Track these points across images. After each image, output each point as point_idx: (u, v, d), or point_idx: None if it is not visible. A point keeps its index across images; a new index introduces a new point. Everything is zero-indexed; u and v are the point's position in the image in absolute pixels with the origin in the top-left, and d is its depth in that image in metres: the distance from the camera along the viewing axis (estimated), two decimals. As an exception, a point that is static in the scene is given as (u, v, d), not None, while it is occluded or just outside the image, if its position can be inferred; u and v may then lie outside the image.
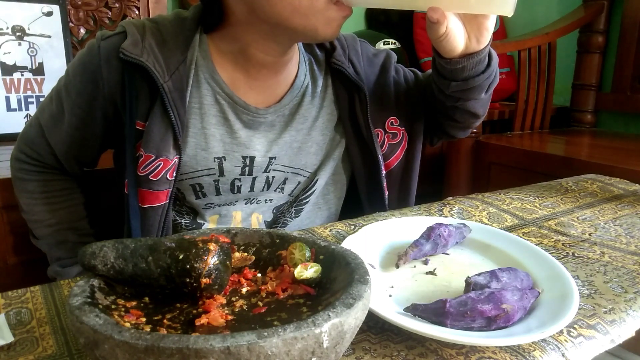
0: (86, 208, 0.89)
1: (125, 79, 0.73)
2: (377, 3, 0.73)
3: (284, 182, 0.86)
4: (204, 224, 0.84)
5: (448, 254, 0.67)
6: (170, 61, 0.73)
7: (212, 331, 0.40)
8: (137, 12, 1.67)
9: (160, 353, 0.33)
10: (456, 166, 1.77)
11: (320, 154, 0.87)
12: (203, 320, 0.41)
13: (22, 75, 1.44)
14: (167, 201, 0.77)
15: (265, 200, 0.87)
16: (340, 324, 0.36)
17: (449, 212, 0.85)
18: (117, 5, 1.63)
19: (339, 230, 0.75)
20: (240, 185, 0.82)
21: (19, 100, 1.43)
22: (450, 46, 0.69)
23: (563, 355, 0.47)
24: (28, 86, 1.45)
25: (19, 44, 1.43)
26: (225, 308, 0.44)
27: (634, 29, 1.91)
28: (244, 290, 0.48)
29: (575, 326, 0.51)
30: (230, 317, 0.42)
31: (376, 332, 0.50)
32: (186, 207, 0.84)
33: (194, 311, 0.43)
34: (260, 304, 0.45)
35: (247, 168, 0.81)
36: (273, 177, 0.84)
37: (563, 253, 0.69)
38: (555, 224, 0.81)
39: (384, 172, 0.87)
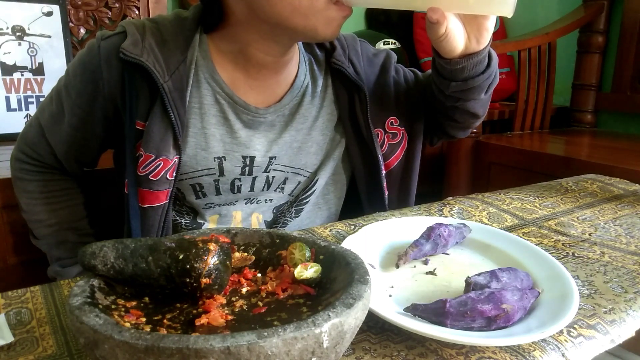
0: (86, 208, 0.89)
1: (125, 79, 0.73)
2: (377, 3, 0.73)
3: (284, 182, 0.86)
4: (204, 223, 0.84)
5: (448, 254, 0.67)
6: (170, 61, 0.73)
7: (212, 331, 0.40)
8: (137, 12, 1.67)
9: (160, 353, 0.33)
10: (456, 166, 1.77)
11: (321, 153, 0.87)
12: (203, 320, 0.41)
13: (22, 75, 1.44)
14: (167, 201, 0.77)
15: (266, 200, 0.87)
16: (340, 324, 0.36)
17: (449, 212, 0.85)
18: (117, 5, 1.63)
19: (339, 230, 0.75)
20: (241, 185, 0.82)
21: (19, 100, 1.43)
22: (450, 46, 0.69)
23: (563, 355, 0.47)
24: (28, 86, 1.45)
25: (19, 44, 1.43)
26: (225, 308, 0.44)
27: (634, 29, 1.91)
28: (244, 290, 0.48)
29: (575, 326, 0.51)
30: (230, 317, 0.42)
31: (376, 332, 0.50)
32: (186, 207, 0.84)
33: (194, 311, 0.43)
34: (260, 304, 0.45)
35: (247, 168, 0.81)
36: (273, 177, 0.84)
37: (563, 253, 0.69)
38: (555, 224, 0.81)
39: (383, 172, 0.87)
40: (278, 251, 0.52)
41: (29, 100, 1.45)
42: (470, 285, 0.53)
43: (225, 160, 0.79)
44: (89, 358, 0.39)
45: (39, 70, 1.46)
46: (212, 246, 0.44)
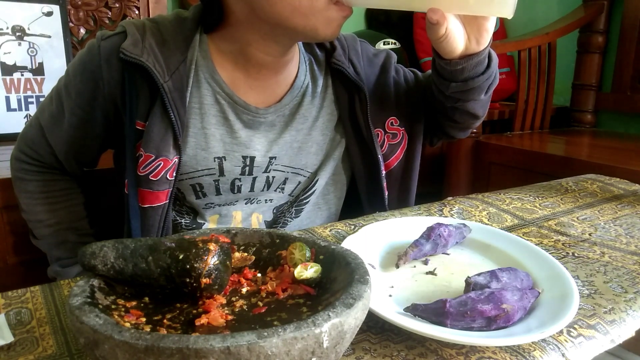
0: (86, 208, 0.89)
1: (126, 79, 0.73)
2: (377, 3, 0.73)
3: (284, 182, 0.86)
4: (204, 224, 0.84)
5: (448, 254, 0.67)
6: (171, 61, 0.73)
7: (212, 331, 0.40)
8: (137, 12, 1.67)
9: (160, 353, 0.33)
10: (456, 166, 1.77)
11: (321, 154, 0.87)
12: (203, 320, 0.41)
13: (22, 75, 1.44)
14: (167, 201, 0.77)
15: (266, 200, 0.87)
16: (340, 324, 0.36)
17: (449, 212, 0.85)
18: (117, 5, 1.63)
19: (339, 230, 0.75)
20: (241, 185, 0.82)
21: (19, 100, 1.43)
22: (450, 47, 0.69)
23: (563, 355, 0.47)
24: (28, 86, 1.45)
25: (19, 44, 1.43)
26: (225, 308, 0.44)
27: (634, 29, 1.91)
28: (244, 290, 0.48)
29: (575, 326, 0.51)
30: (230, 317, 0.42)
31: (376, 332, 0.50)
32: (186, 207, 0.84)
33: (194, 311, 0.43)
34: (260, 304, 0.45)
35: (247, 168, 0.81)
36: (273, 177, 0.84)
37: (563, 253, 0.69)
38: (555, 224, 0.81)
39: (383, 172, 0.87)
40: (278, 251, 0.52)
41: (29, 100, 1.45)
42: (470, 285, 0.53)
43: (225, 160, 0.79)
44: (89, 358, 0.39)
45: (39, 70, 1.46)
46: (212, 246, 0.44)
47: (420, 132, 0.90)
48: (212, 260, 0.44)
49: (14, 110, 1.43)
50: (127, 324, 0.40)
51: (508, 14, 0.62)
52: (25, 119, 1.44)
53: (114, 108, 0.77)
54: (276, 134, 0.82)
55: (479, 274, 0.54)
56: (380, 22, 2.26)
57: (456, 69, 0.73)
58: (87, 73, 0.75)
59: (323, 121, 0.85)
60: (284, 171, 0.84)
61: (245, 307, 0.44)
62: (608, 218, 0.84)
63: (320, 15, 0.68)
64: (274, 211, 0.88)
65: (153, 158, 0.73)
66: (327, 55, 0.86)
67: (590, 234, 0.77)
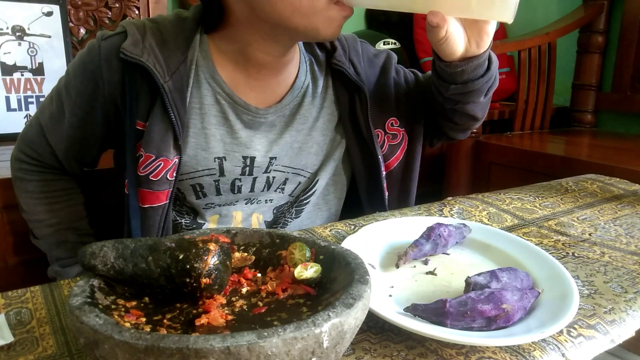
0: (86, 208, 0.89)
1: (126, 79, 0.73)
2: (377, 4, 0.73)
3: (285, 183, 0.86)
4: (204, 224, 0.84)
5: (448, 254, 0.67)
6: (171, 61, 0.73)
7: (212, 331, 0.40)
8: (137, 12, 1.67)
9: (160, 353, 0.33)
10: (456, 166, 1.77)
11: (321, 154, 0.87)
12: (203, 320, 0.41)
13: (22, 75, 1.44)
14: (168, 201, 0.77)
15: (266, 200, 0.87)
16: (340, 324, 0.36)
17: (449, 212, 0.85)
18: (117, 5, 1.63)
19: (339, 230, 0.75)
20: (241, 185, 0.82)
21: (19, 100, 1.43)
22: (450, 49, 0.69)
23: (563, 355, 0.47)
24: (28, 86, 1.45)
25: (19, 44, 1.43)
26: (225, 308, 0.44)
27: (634, 29, 1.90)
28: (244, 290, 0.48)
29: (575, 326, 0.51)
30: (230, 317, 0.42)
31: (376, 332, 0.50)
32: (186, 207, 0.84)
33: (194, 311, 0.43)
34: (260, 304, 0.45)
35: (247, 168, 0.81)
36: (273, 177, 0.84)
37: (563, 253, 0.69)
38: (555, 224, 0.81)
39: (384, 172, 0.87)
40: (278, 251, 0.52)
41: (29, 100, 1.45)
42: (470, 285, 0.53)
43: (225, 160, 0.79)
44: (89, 358, 0.39)
45: (39, 70, 1.46)
46: (212, 246, 0.44)
47: (420, 133, 0.90)
48: (212, 260, 0.44)
49: (14, 110, 1.43)
50: (127, 324, 0.40)
51: (508, 18, 0.62)
52: (25, 119, 1.44)
53: (114, 108, 0.77)
54: (276, 134, 0.82)
55: (479, 274, 0.54)
56: (380, 22, 2.26)
57: (456, 71, 0.73)
58: (87, 73, 0.75)
59: (323, 121, 0.85)
60: (284, 171, 0.84)
61: (245, 307, 0.44)
62: (608, 218, 0.84)
63: (321, 15, 0.68)
64: (274, 211, 0.88)
65: (153, 158, 0.73)
66: (327, 56, 0.86)
67: (590, 234, 0.77)
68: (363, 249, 0.63)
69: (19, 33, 1.43)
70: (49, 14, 1.47)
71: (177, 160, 0.75)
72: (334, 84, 0.86)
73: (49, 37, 1.47)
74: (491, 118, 1.98)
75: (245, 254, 0.53)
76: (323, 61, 0.86)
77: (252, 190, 0.84)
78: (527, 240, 0.70)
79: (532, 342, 0.48)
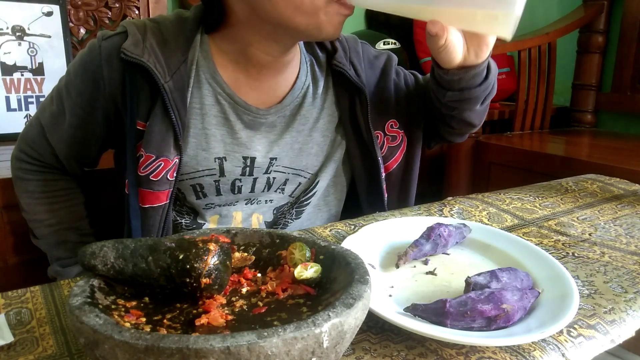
0: (86, 208, 0.89)
1: (126, 79, 0.73)
2: (377, 5, 0.73)
3: (285, 183, 0.86)
4: (204, 224, 0.84)
5: (448, 254, 0.67)
6: (171, 61, 0.73)
7: (212, 331, 0.40)
8: (137, 12, 1.67)
9: (160, 353, 0.33)
10: (456, 166, 1.77)
11: (321, 155, 0.87)
12: (203, 320, 0.41)
13: (22, 75, 1.44)
14: (168, 201, 0.77)
15: (266, 200, 0.87)
16: (340, 324, 0.36)
17: (449, 212, 0.85)
18: (117, 5, 1.63)
19: (339, 230, 0.75)
20: (241, 185, 0.82)
21: (19, 100, 1.43)
22: (449, 58, 0.70)
23: (563, 355, 0.47)
24: (28, 86, 1.45)
25: (19, 44, 1.43)
26: (225, 308, 0.44)
27: (634, 29, 1.91)
28: (244, 290, 0.48)
29: (575, 326, 0.51)
30: (230, 317, 0.42)
31: (376, 332, 0.50)
32: (186, 207, 0.84)
33: (194, 311, 0.43)
34: (260, 304, 0.45)
35: (247, 168, 0.81)
36: (274, 178, 0.84)
37: (563, 253, 0.69)
38: (555, 224, 0.81)
39: (383, 174, 0.87)
40: (278, 251, 0.52)
41: (29, 100, 1.45)
42: (470, 285, 0.53)
43: (225, 160, 0.79)
44: (89, 358, 0.39)
45: (39, 70, 1.46)
46: (212, 246, 0.44)
47: (419, 135, 0.91)
48: (212, 260, 0.44)
49: (14, 110, 1.43)
50: (127, 324, 0.40)
51: (507, 35, 0.62)
52: (25, 119, 1.44)
53: (114, 108, 0.77)
54: (277, 134, 0.82)
55: (479, 274, 0.54)
56: (380, 22, 2.26)
57: (453, 79, 0.73)
58: (87, 73, 0.75)
59: (324, 122, 0.85)
60: (284, 172, 0.84)
61: (245, 307, 0.44)
62: (608, 218, 0.84)
63: (322, 13, 0.68)
64: (274, 212, 0.88)
65: (154, 158, 0.73)
66: (328, 57, 0.86)
67: (590, 234, 0.77)
68: (363, 249, 0.63)
69: (19, 33, 1.43)
70: (49, 14, 1.47)
71: (177, 160, 0.75)
72: (334, 85, 0.86)
73: (49, 37, 1.47)
74: (491, 118, 1.98)
75: (245, 254, 0.53)
76: (324, 62, 0.86)
77: (252, 190, 0.84)
78: (527, 240, 0.70)
79: (532, 342, 0.48)
